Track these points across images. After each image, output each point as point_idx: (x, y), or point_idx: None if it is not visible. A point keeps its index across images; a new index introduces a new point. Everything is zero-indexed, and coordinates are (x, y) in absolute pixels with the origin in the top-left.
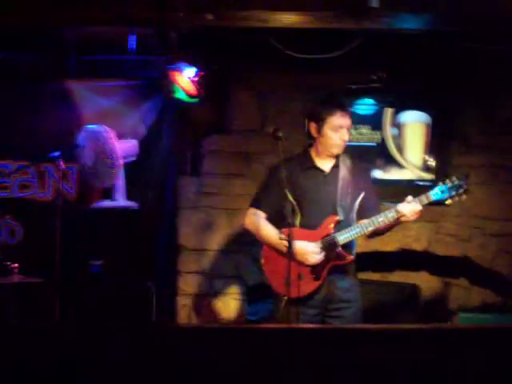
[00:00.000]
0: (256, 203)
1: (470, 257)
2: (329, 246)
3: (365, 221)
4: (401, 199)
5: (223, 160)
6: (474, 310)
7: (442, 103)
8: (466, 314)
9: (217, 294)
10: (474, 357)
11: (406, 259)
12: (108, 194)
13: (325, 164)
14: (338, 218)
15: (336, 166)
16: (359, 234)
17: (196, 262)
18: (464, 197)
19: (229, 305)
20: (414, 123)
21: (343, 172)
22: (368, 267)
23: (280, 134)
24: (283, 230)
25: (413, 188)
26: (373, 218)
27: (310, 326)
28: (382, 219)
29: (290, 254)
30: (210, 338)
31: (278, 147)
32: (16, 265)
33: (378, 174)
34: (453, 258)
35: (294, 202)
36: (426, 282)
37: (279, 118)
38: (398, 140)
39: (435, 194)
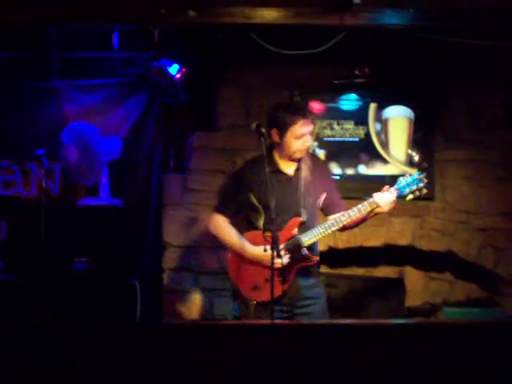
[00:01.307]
0: (219, 208)
1: (454, 251)
2: (293, 248)
3: (328, 221)
4: None
5: (208, 156)
6: (459, 305)
7: (425, 98)
8: (451, 309)
9: (202, 290)
10: (458, 351)
11: (391, 254)
12: (92, 191)
13: (288, 166)
14: (301, 219)
15: (298, 169)
16: (323, 235)
17: (181, 258)
18: (425, 191)
19: (215, 301)
20: (398, 118)
21: (305, 173)
22: (353, 262)
23: (263, 130)
24: (245, 233)
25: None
26: (336, 218)
27: (287, 322)
28: (354, 214)
29: (273, 252)
30: (195, 335)
31: (262, 143)
32: (0, 262)
33: (362, 169)
34: (437, 252)
35: (259, 206)
36: (410, 276)
37: (264, 114)
38: (382, 135)
39: (396, 190)
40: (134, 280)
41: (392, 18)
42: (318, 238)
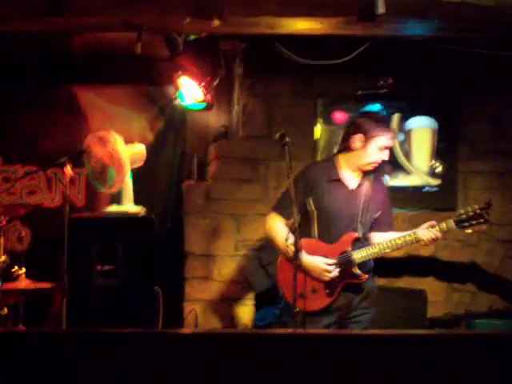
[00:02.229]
0: (278, 208)
1: (477, 262)
2: (345, 264)
3: (383, 242)
4: (408, 205)
5: (231, 165)
6: (481, 316)
7: (448, 108)
8: (473, 320)
9: (224, 299)
10: (481, 363)
11: (413, 265)
12: (115, 199)
13: (351, 178)
14: (356, 235)
15: (361, 184)
16: (376, 255)
17: (203, 267)
18: (484, 227)
19: (236, 310)
20: (421, 129)
21: (366, 189)
22: (375, 273)
23: (287, 140)
24: (302, 239)
25: (419, 193)
26: (392, 241)
27: (319, 331)
28: (400, 242)
29: (296, 262)
30: (217, 344)
31: (285, 153)
32: (23, 270)
33: (385, 179)
34: (460, 263)
35: (315, 211)
36: (433, 287)
37: (287, 123)
38: (405, 146)
39: (456, 222)
40: (156, 288)
41: (416, 29)
42: (370, 257)
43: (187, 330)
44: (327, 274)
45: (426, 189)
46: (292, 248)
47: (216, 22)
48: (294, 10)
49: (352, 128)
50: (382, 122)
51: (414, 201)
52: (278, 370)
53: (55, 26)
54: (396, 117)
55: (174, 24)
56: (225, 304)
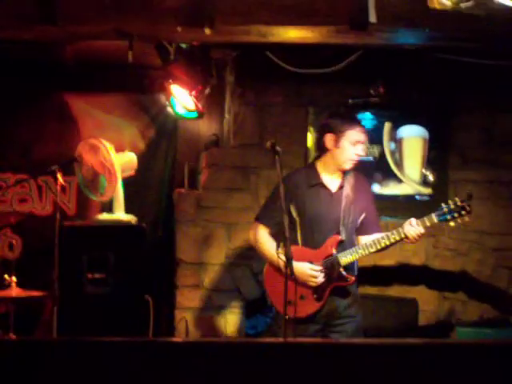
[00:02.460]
0: (260, 217)
1: (468, 271)
2: (331, 267)
3: (368, 242)
4: (399, 214)
5: (222, 174)
6: (472, 325)
7: (439, 117)
8: (464, 329)
9: (215, 307)
10: (471, 372)
11: (404, 273)
12: (106, 207)
13: (331, 181)
14: (340, 237)
15: (342, 186)
16: (361, 256)
17: (194, 275)
18: (467, 219)
19: (227, 319)
20: (412, 138)
21: (347, 191)
22: (366, 281)
23: (278, 149)
24: (282, 245)
25: (411, 202)
26: (375, 240)
27: (309, 339)
28: (384, 241)
29: (288, 270)
30: (208, 352)
31: (276, 161)
32: (14, 278)
33: (376, 188)
34: (451, 272)
35: (297, 218)
36: (424, 296)
37: (278, 131)
38: (397, 154)
39: (438, 215)
40: (146, 296)
41: (407, 38)
42: (356, 257)
43: (178, 338)
44: (314, 280)
45: (417, 197)
46: (283, 258)
47: (207, 31)
48: (286, 19)
49: (321, 130)
50: (349, 117)
51: (405, 209)
52: (268, 380)
53: (48, 35)
54: (387, 125)
55: (165, 32)
56: (215, 312)
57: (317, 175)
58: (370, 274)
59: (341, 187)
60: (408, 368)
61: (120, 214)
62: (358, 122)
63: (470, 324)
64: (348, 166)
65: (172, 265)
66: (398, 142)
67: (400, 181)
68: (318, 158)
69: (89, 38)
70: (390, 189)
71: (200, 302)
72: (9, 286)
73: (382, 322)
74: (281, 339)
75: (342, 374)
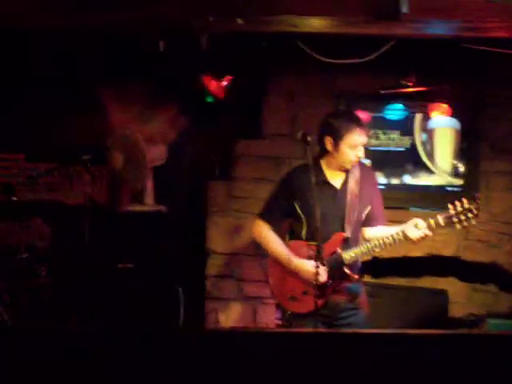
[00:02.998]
0: (265, 215)
1: (498, 263)
2: (334, 265)
3: (372, 241)
4: (430, 205)
5: (253, 164)
6: (503, 316)
7: (471, 108)
8: (495, 320)
9: (245, 298)
10: (501, 363)
11: (435, 265)
12: (137, 197)
13: (336, 178)
14: (345, 234)
15: (346, 182)
16: (366, 254)
17: (225, 266)
18: (473, 221)
19: (257, 309)
20: (444, 128)
21: (352, 186)
22: (396, 272)
23: (309, 139)
24: (290, 243)
25: (442, 193)
26: (381, 240)
27: (338, 330)
28: (389, 241)
29: (319, 263)
30: (239, 342)
31: (307, 152)
32: (44, 267)
33: (407, 178)
34: (481, 263)
35: (302, 215)
36: (454, 287)
37: (309, 122)
38: (428, 145)
39: (444, 218)
40: (177, 286)
41: (439, 29)
42: (360, 256)
43: (209, 328)
44: (317, 278)
45: (448, 188)
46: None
47: (239, 21)
48: (317, 9)
49: (321, 130)
50: (350, 119)
51: (436, 200)
52: (300, 369)
53: (79, 22)
54: (418, 116)
55: (197, 22)
56: (246, 303)
57: (321, 172)
58: (401, 264)
59: (345, 183)
60: (438, 359)
61: (150, 204)
62: (357, 124)
63: (500, 316)
64: (348, 166)
65: (202, 255)
66: (430, 132)
67: (431, 172)
68: (321, 156)
69: (120, 26)
70: (421, 180)
71: (230, 293)
72: (39, 275)
73: (412, 313)
74: (317, 329)
75: (371, 363)
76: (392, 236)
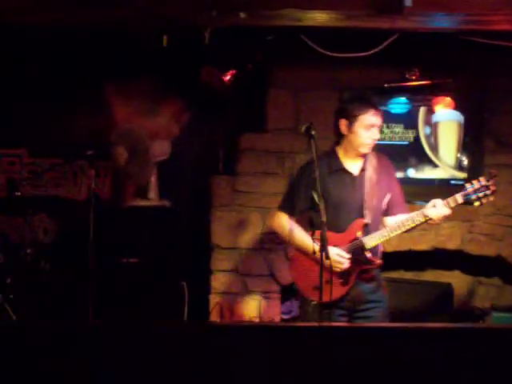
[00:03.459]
0: (285, 207)
1: (503, 256)
2: (356, 251)
3: (392, 224)
4: (434, 198)
5: (257, 158)
6: (507, 310)
7: (474, 102)
8: (499, 314)
9: (249, 292)
10: (506, 356)
11: (439, 258)
12: (141, 192)
13: (353, 165)
14: (365, 221)
15: (364, 169)
16: (387, 238)
17: (229, 260)
18: (491, 198)
19: (262, 303)
20: (448, 122)
21: (370, 173)
22: (401, 266)
23: (313, 133)
24: (315, 232)
25: (446, 187)
26: (399, 222)
27: (341, 323)
28: (409, 223)
29: (324, 255)
30: (243, 336)
31: (311, 146)
32: (49, 262)
33: (411, 172)
34: (486, 257)
35: (321, 204)
36: (458, 281)
37: (313, 116)
38: (432, 139)
39: (462, 196)
40: (181, 281)
41: (442, 22)
42: (381, 240)
43: (213, 321)
44: (340, 266)
45: (452, 182)
46: (317, 245)
47: (242, 15)
48: (320, 3)
49: (336, 115)
50: (362, 100)
51: (440, 194)
52: (303, 364)
53: (81, 19)
54: (422, 109)
55: (200, 16)
56: (250, 297)
57: (338, 160)
58: (406, 258)
59: (362, 170)
60: (441, 352)
61: (154, 199)
62: (371, 105)
63: (505, 309)
64: (365, 150)
65: (206, 249)
66: (434, 126)
67: (435, 165)
68: (337, 143)
69: (123, 21)
70: (425, 173)
71: (234, 287)
72: (43, 270)
73: (417, 306)
74: (316, 323)
75: (374, 358)
76: (412, 217)
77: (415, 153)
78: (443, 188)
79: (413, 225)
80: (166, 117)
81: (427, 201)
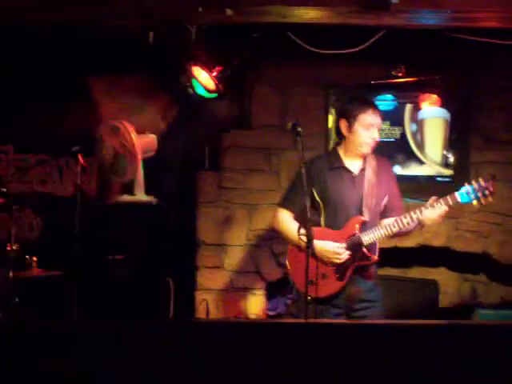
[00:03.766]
0: (283, 203)
1: (489, 253)
2: (354, 247)
3: (389, 222)
4: (420, 195)
5: (243, 155)
6: (493, 307)
7: (461, 99)
8: (485, 311)
9: (235, 289)
10: (491, 353)
11: (426, 255)
12: (127, 188)
13: (353, 164)
14: (363, 218)
15: (363, 169)
16: (384, 235)
17: (215, 257)
18: (490, 199)
19: (248, 300)
20: (434, 119)
21: (369, 173)
22: (387, 263)
23: (299, 129)
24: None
25: (432, 184)
26: (397, 219)
27: (329, 321)
28: (406, 220)
29: (308, 250)
30: (228, 333)
31: (298, 142)
32: (35, 258)
33: (397, 169)
34: (472, 254)
35: (320, 202)
36: (445, 278)
37: (299, 112)
38: (418, 136)
39: (461, 195)
40: (167, 278)
41: (429, 19)
42: (378, 237)
43: (199, 318)
44: (338, 257)
45: (439, 179)
46: (304, 239)
47: (228, 12)
48: None
49: (337, 115)
50: (361, 100)
51: (426, 191)
52: (289, 361)
53: (71, 16)
54: (408, 106)
55: (186, 13)
56: (236, 294)
57: (339, 159)
58: (391, 255)
59: (362, 170)
60: (427, 349)
61: (140, 195)
62: (370, 105)
63: (491, 306)
64: (365, 150)
65: (192, 246)
66: (420, 123)
67: (421, 162)
68: (338, 143)
69: (109, 18)
70: (411, 170)
71: (220, 284)
72: (29, 266)
73: (403, 303)
74: (302, 320)
75: (363, 354)
76: (409, 214)
77: (401, 150)
78: (429, 185)
79: (410, 221)
80: (153, 113)
81: (413, 198)
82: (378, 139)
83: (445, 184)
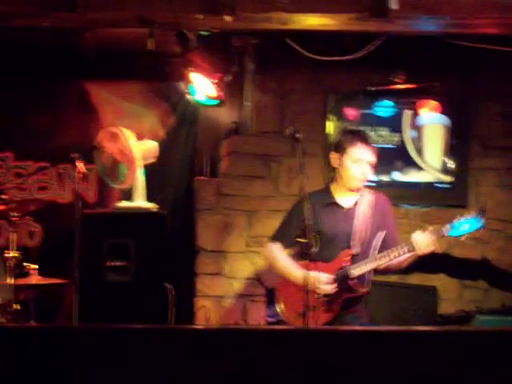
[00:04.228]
0: (277, 236)
1: (489, 259)
2: (342, 279)
3: (379, 255)
4: (419, 201)
5: (242, 161)
6: (493, 313)
7: (460, 105)
8: (485, 317)
9: (235, 295)
10: (491, 360)
11: (425, 261)
12: (127, 195)
13: (345, 199)
14: (352, 252)
15: (357, 203)
16: (373, 267)
17: (214, 263)
18: (480, 232)
19: (247, 307)
20: (433, 125)
21: (363, 207)
22: None
23: (298, 136)
24: (300, 263)
25: (431, 190)
26: (386, 252)
27: (329, 327)
28: (393, 253)
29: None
30: (227, 340)
31: (297, 149)
32: (35, 266)
33: (396, 175)
34: (472, 260)
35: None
36: (444, 284)
37: (298, 119)
38: (417, 142)
39: (452, 229)
40: (167, 284)
41: (428, 25)
42: (367, 269)
43: (199, 325)
44: (326, 287)
45: (438, 185)
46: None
47: (228, 18)
48: (306, 6)
49: (329, 149)
50: (354, 135)
51: (426, 197)
52: (291, 367)
53: (68, 22)
54: (408, 113)
55: (186, 20)
56: (236, 300)
57: (330, 195)
58: None
59: (355, 204)
60: (426, 356)
61: (140, 202)
62: (359, 139)
63: (490, 312)
64: (355, 184)
65: (192, 253)
66: (419, 129)
67: (420, 168)
68: (332, 179)
69: (109, 25)
70: (411, 176)
71: (220, 290)
72: (29, 273)
73: (402, 309)
74: (302, 327)
75: (361, 361)
76: (396, 248)
77: (401, 156)
78: (429, 191)
79: (397, 254)
80: (153, 119)
81: (413, 204)
82: (368, 174)
83: (444, 190)
